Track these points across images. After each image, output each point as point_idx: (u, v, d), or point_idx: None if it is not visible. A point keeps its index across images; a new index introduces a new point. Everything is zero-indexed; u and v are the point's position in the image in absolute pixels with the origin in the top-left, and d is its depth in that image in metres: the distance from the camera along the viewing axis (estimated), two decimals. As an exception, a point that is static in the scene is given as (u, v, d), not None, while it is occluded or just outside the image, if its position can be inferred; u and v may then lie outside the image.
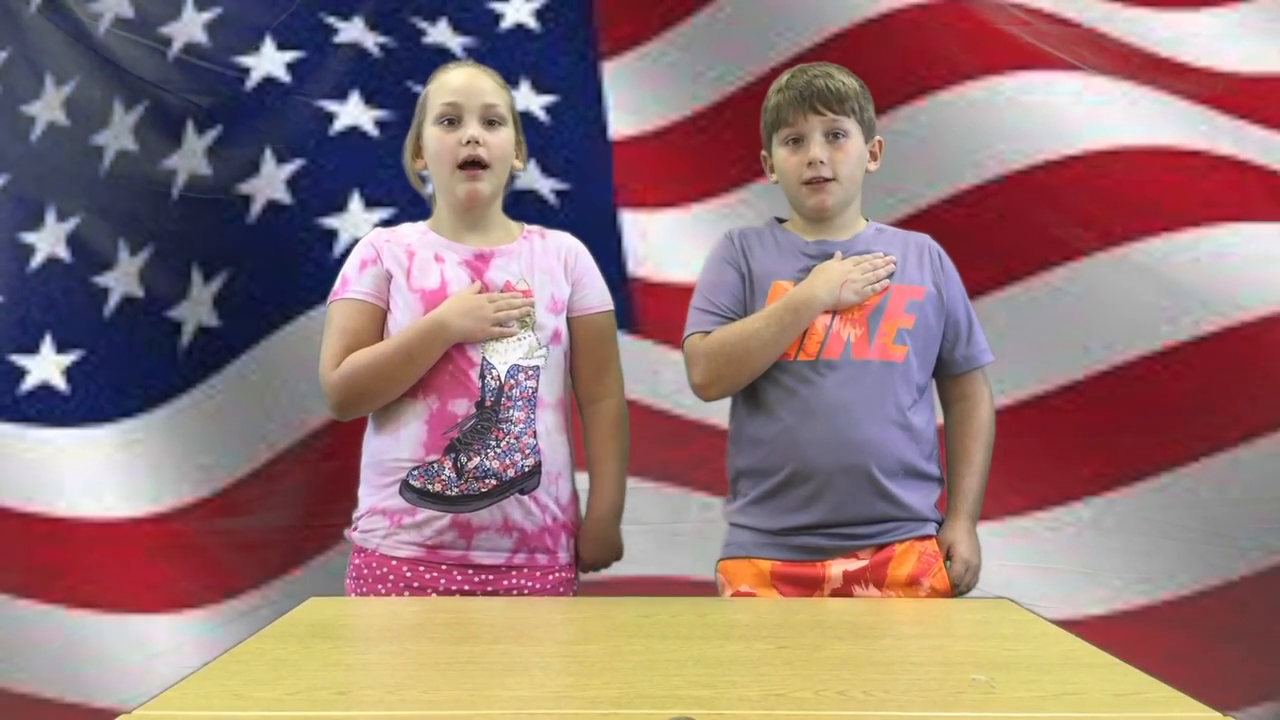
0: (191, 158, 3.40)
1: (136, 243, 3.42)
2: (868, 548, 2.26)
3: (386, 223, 3.28)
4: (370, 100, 3.43)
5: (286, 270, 3.35)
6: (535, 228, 2.50)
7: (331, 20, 3.47)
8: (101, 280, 3.41)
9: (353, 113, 3.42)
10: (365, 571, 2.32)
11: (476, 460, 2.26)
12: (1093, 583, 3.20)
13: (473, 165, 2.35)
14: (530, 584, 2.32)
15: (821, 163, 2.31)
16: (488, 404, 2.28)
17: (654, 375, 3.30)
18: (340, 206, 3.35)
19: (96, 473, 3.36)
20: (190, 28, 3.45)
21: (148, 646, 3.25)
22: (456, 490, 2.26)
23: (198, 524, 3.36)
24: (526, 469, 2.29)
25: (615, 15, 3.53)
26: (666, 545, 3.21)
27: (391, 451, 2.31)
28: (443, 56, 3.37)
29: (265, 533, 3.35)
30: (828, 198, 2.33)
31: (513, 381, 2.30)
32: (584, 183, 3.48)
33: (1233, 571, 3.12)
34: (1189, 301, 3.15)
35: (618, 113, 3.52)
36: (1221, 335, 3.11)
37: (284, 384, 3.35)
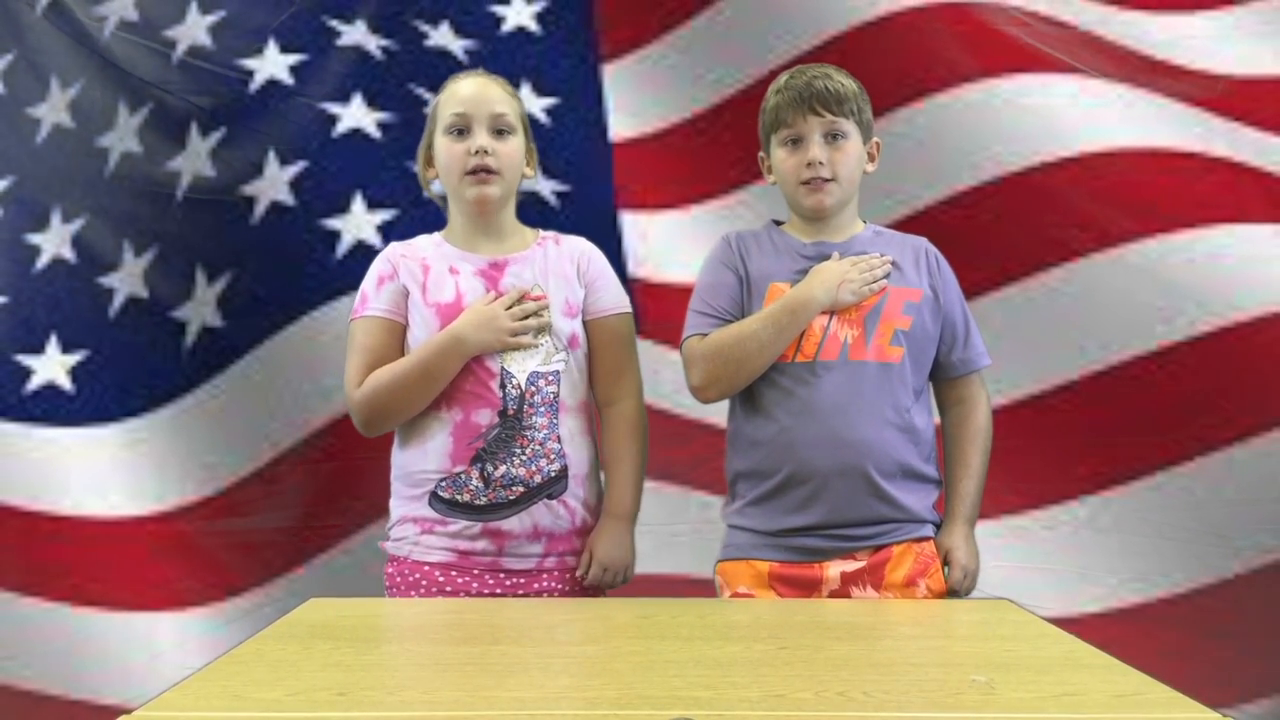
0: (195, 159, 3.42)
1: (141, 244, 3.43)
2: (865, 549, 2.26)
3: (388, 223, 3.30)
4: (372, 103, 3.43)
5: (290, 271, 3.36)
6: (550, 234, 2.51)
7: (334, 23, 3.48)
8: (106, 281, 3.42)
9: (355, 115, 3.42)
10: (399, 579, 2.33)
11: (503, 469, 2.27)
12: (1089, 581, 3.21)
13: (481, 172, 2.36)
14: (560, 586, 2.34)
15: (820, 163, 2.31)
16: (510, 412, 2.29)
17: (654, 375, 3.27)
18: (343, 208, 3.36)
19: (101, 472, 3.37)
20: (194, 30, 3.46)
21: (152, 644, 3.26)
22: (485, 499, 2.28)
23: (202, 523, 3.37)
24: (553, 474, 2.31)
25: (615, 18, 3.54)
26: (666, 545, 3.20)
27: (419, 464, 2.33)
28: (444, 59, 3.39)
29: (268, 531, 3.35)
30: (826, 197, 2.33)
31: (534, 388, 2.31)
32: (584, 184, 3.49)
33: (1227, 570, 3.13)
34: (1184, 302, 3.16)
35: (618, 115, 3.54)
36: (1217, 335, 3.12)
37: (287, 384, 3.36)
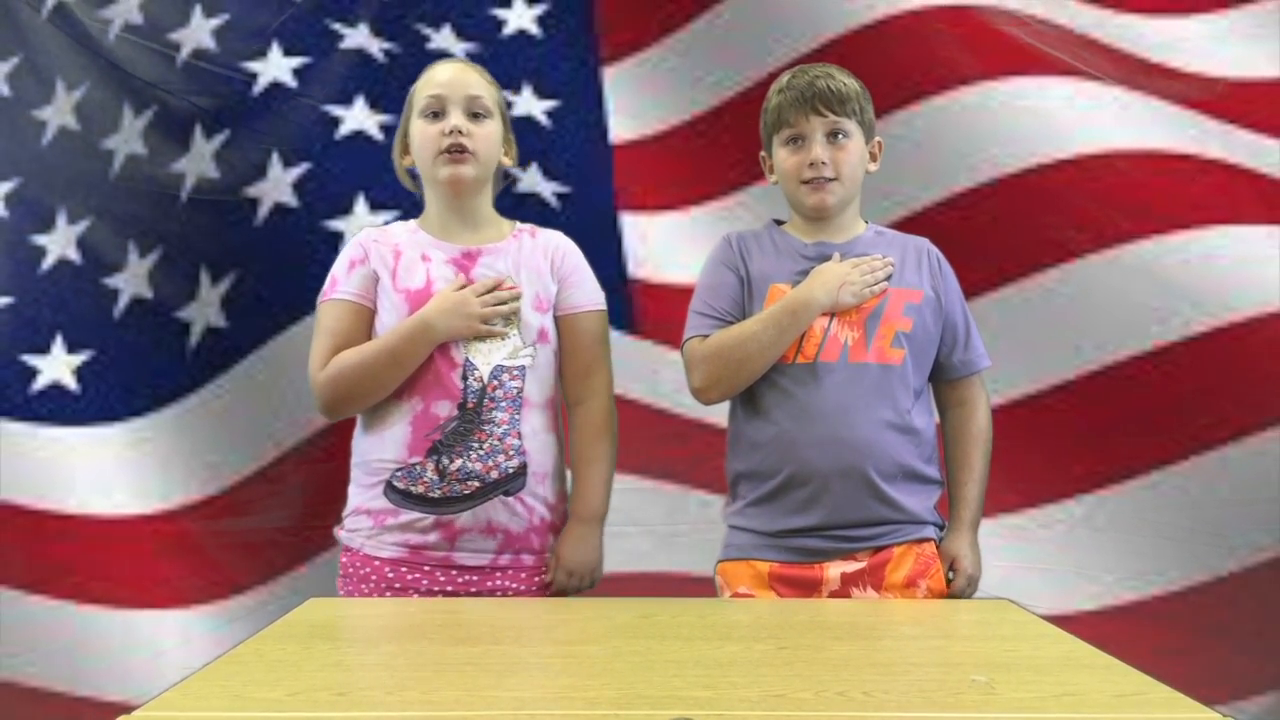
0: (200, 161, 3.43)
1: (146, 245, 3.45)
2: (865, 550, 2.25)
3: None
4: (375, 105, 3.45)
5: (293, 272, 3.36)
6: (528, 226, 2.47)
7: (337, 26, 3.49)
8: (111, 282, 3.44)
9: (358, 117, 3.45)
10: (351, 570, 2.31)
11: (459, 462, 2.24)
12: (1085, 579, 3.23)
13: (455, 151, 2.33)
14: (514, 585, 2.31)
15: (823, 163, 2.30)
16: (469, 405, 2.26)
17: (653, 375, 3.32)
18: (346, 209, 3.38)
19: (106, 471, 3.38)
20: (198, 33, 3.47)
21: (156, 642, 3.28)
22: (439, 492, 2.24)
23: (206, 521, 3.39)
24: (511, 470, 2.27)
25: (616, 22, 3.55)
26: (666, 544, 3.23)
27: (377, 452, 2.29)
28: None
29: (272, 530, 3.37)
30: (828, 197, 2.32)
31: (496, 382, 2.28)
32: (585, 186, 3.50)
33: (1222, 568, 3.16)
34: (1179, 302, 3.18)
35: (618, 117, 3.55)
36: (1211, 335, 3.15)
37: (290, 384, 3.35)
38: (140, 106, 3.47)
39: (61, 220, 3.47)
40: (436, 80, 2.38)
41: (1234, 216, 3.22)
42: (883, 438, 2.25)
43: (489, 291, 2.30)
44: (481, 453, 2.25)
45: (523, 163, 3.31)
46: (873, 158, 2.41)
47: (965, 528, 2.35)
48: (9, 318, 3.41)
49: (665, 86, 3.55)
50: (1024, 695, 1.42)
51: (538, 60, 3.55)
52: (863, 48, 3.35)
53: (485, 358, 2.29)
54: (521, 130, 3.44)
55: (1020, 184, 3.29)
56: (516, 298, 2.32)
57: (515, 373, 2.30)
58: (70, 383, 3.40)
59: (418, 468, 2.25)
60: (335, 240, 3.36)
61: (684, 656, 1.62)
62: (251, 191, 3.41)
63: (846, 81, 2.34)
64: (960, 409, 2.42)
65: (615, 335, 3.13)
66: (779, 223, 2.47)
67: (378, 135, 3.44)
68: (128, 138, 3.47)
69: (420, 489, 2.25)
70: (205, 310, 3.42)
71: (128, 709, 1.32)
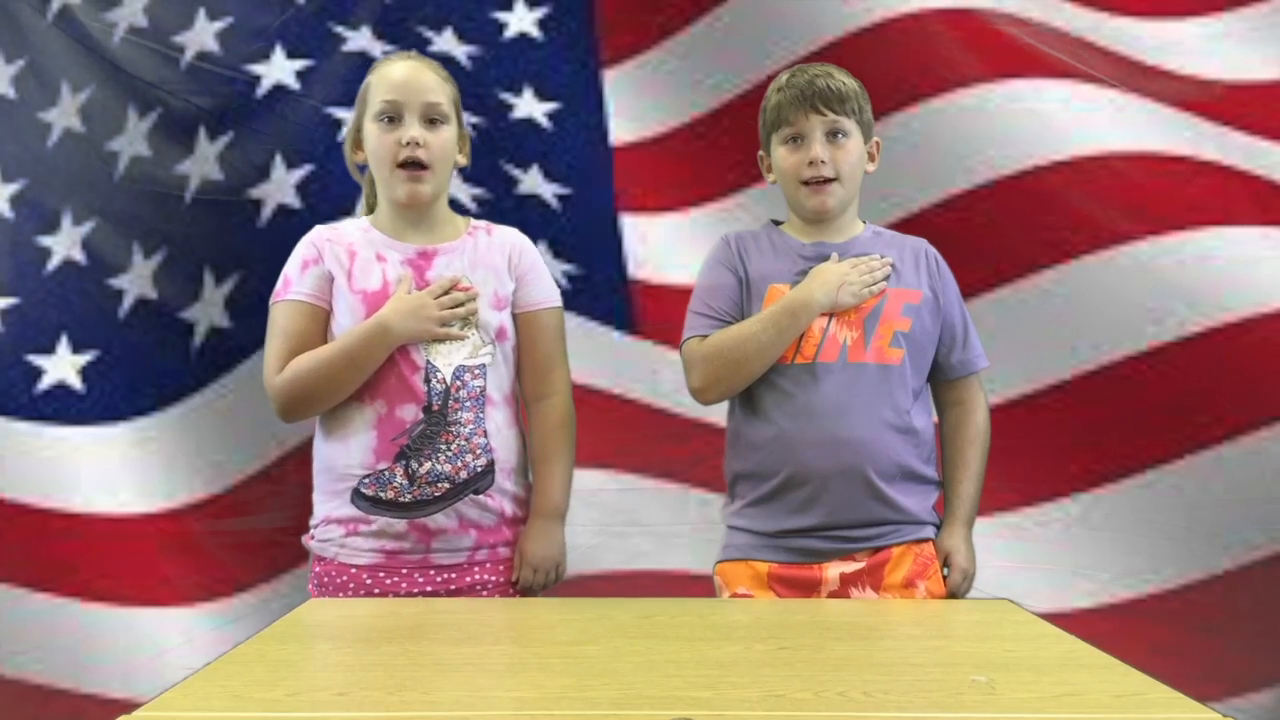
0: (203, 163, 3.43)
1: (150, 246, 3.45)
2: (864, 550, 2.26)
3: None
4: (377, 107, 3.47)
5: (295, 273, 3.37)
6: (482, 223, 2.44)
7: (340, 29, 3.50)
8: (116, 282, 3.44)
9: (360, 119, 3.46)
10: (326, 580, 2.29)
11: (428, 465, 2.23)
12: (1081, 577, 3.23)
13: (413, 166, 2.29)
14: (492, 578, 2.31)
15: (823, 162, 2.30)
16: (435, 408, 2.24)
17: (653, 375, 3.34)
18: (348, 211, 3.33)
19: (111, 469, 3.38)
20: (202, 36, 3.47)
21: (160, 640, 3.28)
22: (410, 496, 2.23)
23: (209, 520, 3.39)
24: (479, 469, 2.27)
25: (616, 24, 3.55)
26: (666, 544, 3.23)
27: (342, 458, 2.27)
28: (448, 65, 3.39)
29: (275, 529, 3.35)
30: (829, 199, 2.32)
31: (459, 383, 2.26)
32: (585, 187, 3.51)
33: (1217, 566, 3.17)
34: (1174, 303, 3.19)
35: (618, 119, 3.55)
36: (1206, 336, 3.16)
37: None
38: (144, 108, 3.48)
39: (66, 221, 3.47)
40: (391, 82, 2.33)
41: (1229, 218, 3.23)
42: (882, 438, 2.25)
43: (446, 293, 2.28)
44: (450, 454, 2.25)
45: (524, 165, 3.33)
46: (871, 158, 2.42)
47: (960, 524, 2.36)
48: (15, 318, 3.41)
49: (665, 89, 3.55)
50: (1024, 695, 1.42)
51: (539, 63, 3.55)
52: (860, 50, 3.35)
53: (446, 359, 2.28)
54: (522, 132, 3.46)
55: (1017, 185, 3.30)
56: (473, 299, 2.31)
57: (477, 371, 2.30)
58: (75, 382, 3.40)
59: (386, 473, 2.24)
60: (337, 241, 3.36)
61: (684, 656, 1.62)
62: (255, 193, 3.41)
63: (846, 81, 2.35)
64: (958, 408, 2.43)
65: (616, 335, 3.15)
66: (777, 223, 2.47)
67: (379, 137, 3.43)
68: (132, 139, 3.48)
69: (390, 494, 2.24)
70: (209, 311, 3.43)
71: (132, 706, 1.33)
